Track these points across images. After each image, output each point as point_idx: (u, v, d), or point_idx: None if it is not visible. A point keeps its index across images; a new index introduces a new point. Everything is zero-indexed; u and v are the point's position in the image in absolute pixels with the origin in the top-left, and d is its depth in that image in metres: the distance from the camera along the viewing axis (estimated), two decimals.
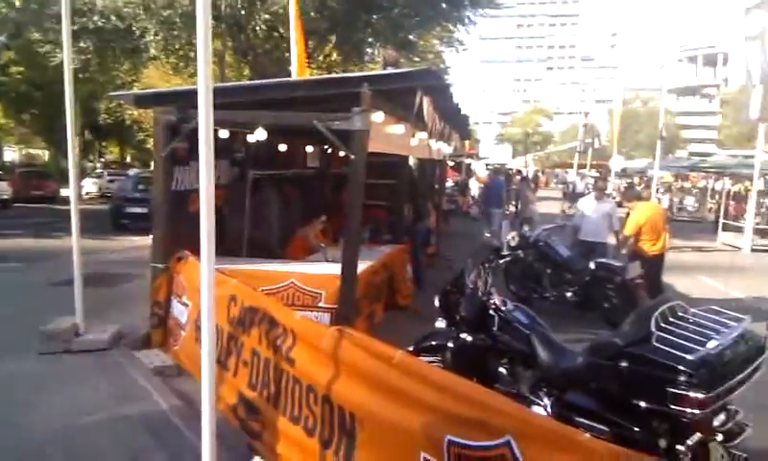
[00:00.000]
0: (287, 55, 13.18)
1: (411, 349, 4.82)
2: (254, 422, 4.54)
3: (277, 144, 9.28)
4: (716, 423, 3.30)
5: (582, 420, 3.54)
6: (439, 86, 6.37)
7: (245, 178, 8.96)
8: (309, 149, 10.82)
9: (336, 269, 6.18)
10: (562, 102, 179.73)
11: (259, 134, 6.77)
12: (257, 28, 16.59)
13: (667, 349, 3.18)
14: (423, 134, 7.84)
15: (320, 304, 6.47)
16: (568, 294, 9.01)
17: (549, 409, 3.92)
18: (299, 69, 10.78)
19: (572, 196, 29.10)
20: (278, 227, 9.77)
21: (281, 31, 16.90)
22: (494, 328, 4.45)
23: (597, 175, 37.22)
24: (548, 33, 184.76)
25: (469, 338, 4.56)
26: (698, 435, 3.19)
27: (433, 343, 4.85)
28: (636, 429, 3.31)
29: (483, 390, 3.20)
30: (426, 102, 6.07)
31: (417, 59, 23.25)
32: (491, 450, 2.91)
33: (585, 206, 10.16)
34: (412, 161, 13.46)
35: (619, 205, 16.03)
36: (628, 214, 9.32)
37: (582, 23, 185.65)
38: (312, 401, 4.00)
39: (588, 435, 2.76)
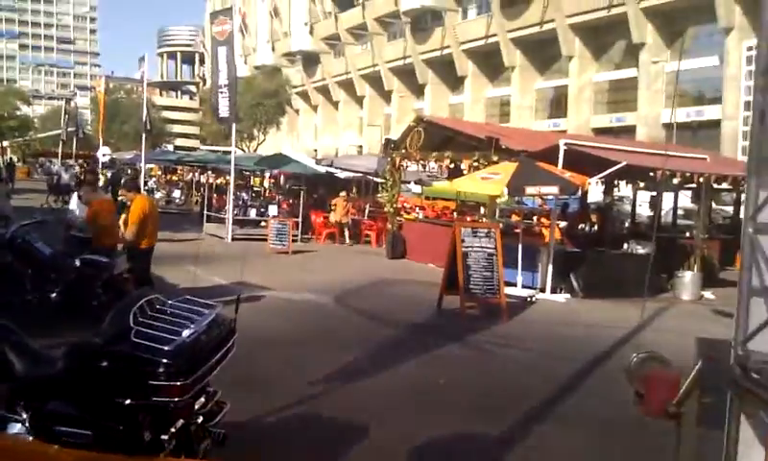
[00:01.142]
0: None
1: None
2: None
3: None
4: (197, 406, 3.53)
5: (63, 428, 3.35)
6: None
7: None
8: None
9: None
10: (40, 85, 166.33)
11: None
12: None
13: (146, 342, 3.25)
14: None
15: None
16: (53, 295, 8.43)
17: (28, 424, 3.59)
18: None
19: (57, 188, 27.22)
20: None
21: None
22: None
23: (85, 166, 35.70)
24: (20, 6, 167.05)
25: None
26: (180, 421, 3.36)
27: None
28: (121, 428, 3.30)
29: None
30: None
31: None
32: None
33: (74, 201, 9.69)
34: None
35: (114, 195, 15.80)
36: (127, 206, 9.21)
37: (59, 2, 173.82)
38: None
39: (57, 446, 2.63)
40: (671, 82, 36.20)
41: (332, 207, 21.46)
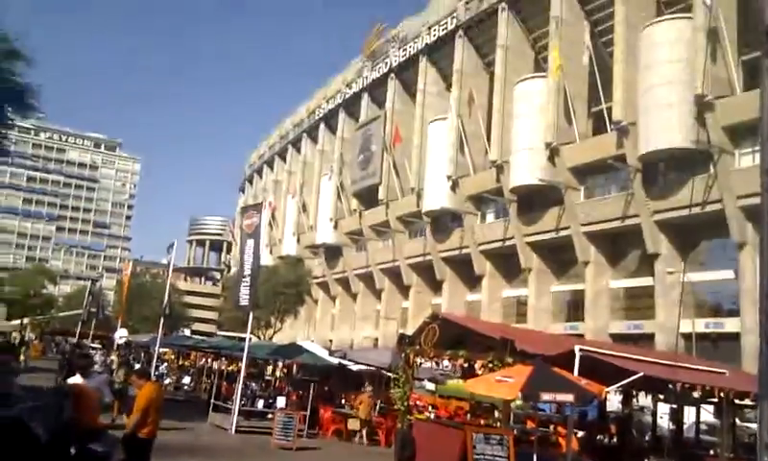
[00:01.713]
0: None
1: None
2: None
3: None
4: None
5: None
6: None
7: None
8: None
9: None
10: (70, 265, 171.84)
11: None
12: None
13: None
14: None
15: None
16: None
17: None
18: None
19: (70, 368, 27.05)
20: None
21: None
22: None
23: (79, 350, 35.77)
24: (62, 192, 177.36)
25: None
26: None
27: None
28: None
29: None
30: None
31: None
32: None
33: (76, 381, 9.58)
34: None
35: (125, 381, 15.59)
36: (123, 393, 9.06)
37: (99, 189, 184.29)
38: None
39: None
40: (688, 292, 36.40)
41: (356, 405, 20.78)
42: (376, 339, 62.10)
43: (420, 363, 19.90)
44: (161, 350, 34.46)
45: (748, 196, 30.71)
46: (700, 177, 35.96)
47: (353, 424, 20.21)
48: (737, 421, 18.76)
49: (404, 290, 60.77)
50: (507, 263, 49.73)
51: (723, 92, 34.96)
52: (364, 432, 19.84)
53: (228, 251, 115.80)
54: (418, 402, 22.36)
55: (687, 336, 34.16)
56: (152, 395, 8.76)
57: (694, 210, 35.64)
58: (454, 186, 51.78)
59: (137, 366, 23.71)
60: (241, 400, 19.57)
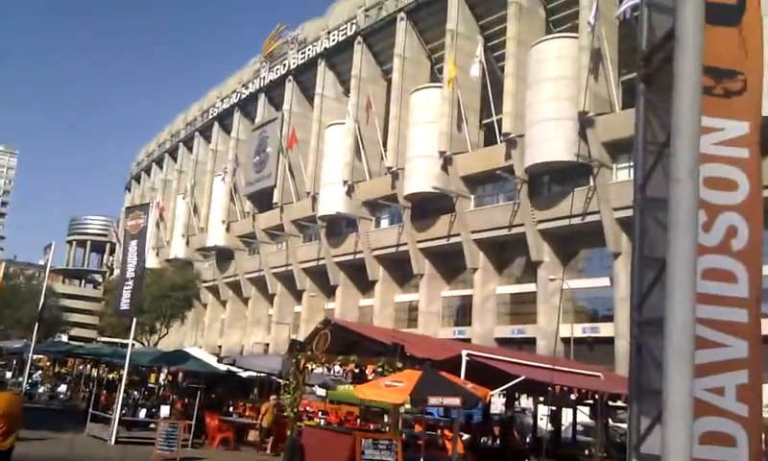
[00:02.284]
0: None
1: None
2: None
3: None
4: None
5: None
6: None
7: None
8: None
9: None
10: None
11: None
12: None
13: None
14: None
15: None
16: None
17: None
18: None
19: None
20: None
21: None
22: None
23: None
24: None
25: None
26: None
27: None
28: None
29: None
30: None
31: None
32: None
33: None
34: None
35: None
36: None
37: None
38: None
39: None
40: (568, 298, 38.33)
41: (262, 412, 20.06)
42: (267, 345, 61.16)
43: (312, 369, 19.74)
44: (35, 356, 32.31)
45: (623, 208, 32.81)
46: (581, 189, 38.02)
47: (254, 435, 19.66)
48: (610, 421, 19.92)
49: (297, 295, 60.23)
50: (400, 269, 50.43)
51: (604, 109, 37.16)
52: (269, 441, 19.35)
53: (112, 252, 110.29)
54: (308, 408, 22.15)
55: (566, 340, 35.97)
56: (1, 404, 8.11)
57: (575, 221, 37.67)
58: (350, 191, 51.95)
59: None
60: (122, 409, 18.63)
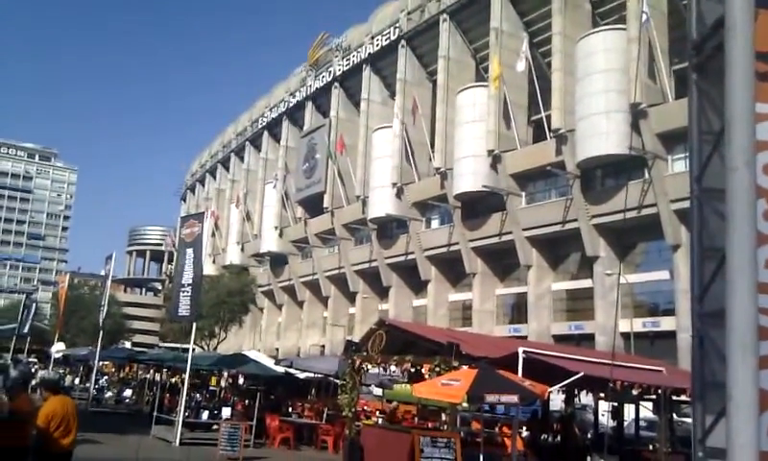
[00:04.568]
0: None
1: None
2: None
3: None
4: None
5: None
6: None
7: None
8: None
9: None
10: (3, 279, 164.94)
11: None
12: None
13: None
14: None
15: None
16: None
17: None
18: None
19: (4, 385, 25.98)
20: None
21: None
22: None
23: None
24: None
25: None
26: None
27: None
28: None
29: None
30: None
31: None
32: None
33: None
34: None
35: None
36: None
37: (34, 200, 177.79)
38: None
39: None
40: (626, 293, 37.58)
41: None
42: (323, 346, 61.82)
43: (368, 369, 19.93)
44: (101, 363, 33.50)
45: (681, 200, 31.96)
46: (635, 182, 37.23)
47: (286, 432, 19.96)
48: (674, 416, 19.46)
49: (351, 297, 60.70)
50: (452, 268, 50.30)
51: (656, 100, 36.32)
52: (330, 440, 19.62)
53: (170, 261, 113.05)
54: (365, 408, 22.36)
55: (627, 335, 35.26)
56: (55, 410, 8.50)
57: (630, 214, 36.89)
58: (399, 193, 52.11)
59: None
60: (185, 411, 19.17)
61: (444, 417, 18.17)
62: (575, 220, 39.92)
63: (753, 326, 3.39)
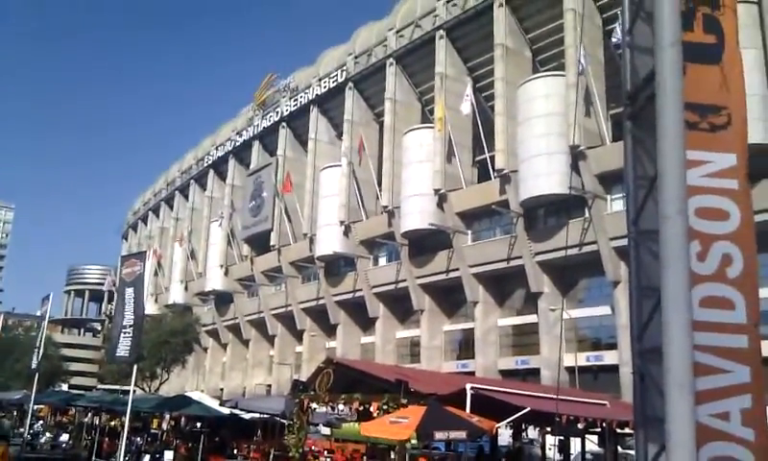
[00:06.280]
0: None
1: None
2: None
3: None
4: None
5: None
6: None
7: None
8: None
9: None
10: None
11: None
12: None
13: None
14: None
15: None
16: None
17: None
18: None
19: None
20: None
21: None
22: None
23: None
24: None
25: None
26: None
27: None
28: None
29: None
30: None
31: None
32: None
33: None
34: None
35: None
36: None
37: None
38: None
39: None
40: (570, 328, 38.37)
41: None
42: (269, 386, 60.79)
43: (315, 408, 19.73)
44: (36, 406, 32.12)
45: (620, 237, 33.02)
46: (576, 220, 38.33)
47: None
48: (619, 448, 19.88)
49: (298, 335, 60.05)
50: (400, 305, 50.43)
51: (594, 143, 37.66)
52: None
53: (110, 301, 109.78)
54: (313, 448, 22.05)
55: (571, 370, 35.92)
56: None
57: (572, 251, 37.88)
58: (347, 231, 52.19)
59: None
60: (125, 455, 18.58)
61: (392, 455, 18.09)
62: (519, 257, 40.72)
63: (688, 365, 3.49)
